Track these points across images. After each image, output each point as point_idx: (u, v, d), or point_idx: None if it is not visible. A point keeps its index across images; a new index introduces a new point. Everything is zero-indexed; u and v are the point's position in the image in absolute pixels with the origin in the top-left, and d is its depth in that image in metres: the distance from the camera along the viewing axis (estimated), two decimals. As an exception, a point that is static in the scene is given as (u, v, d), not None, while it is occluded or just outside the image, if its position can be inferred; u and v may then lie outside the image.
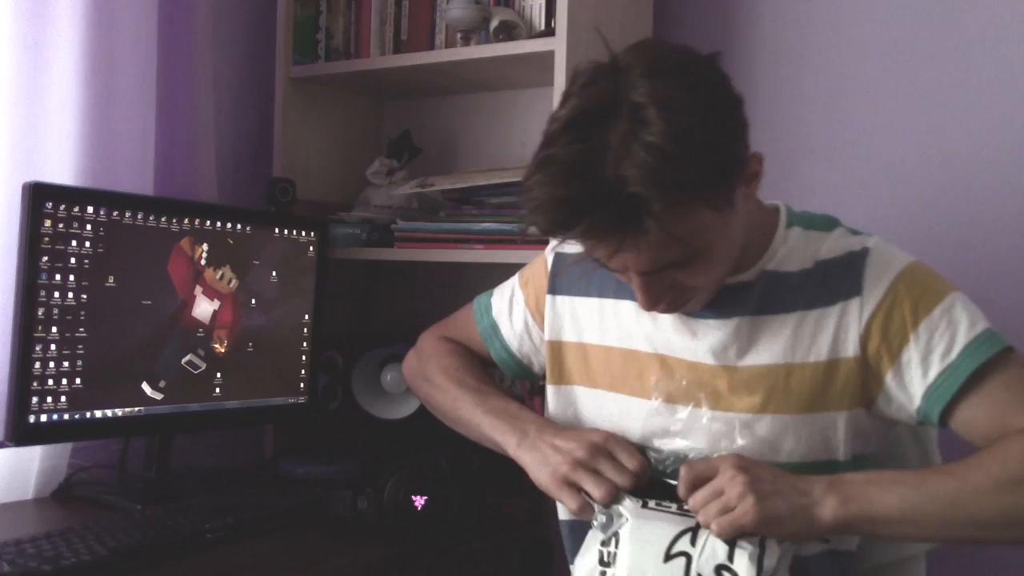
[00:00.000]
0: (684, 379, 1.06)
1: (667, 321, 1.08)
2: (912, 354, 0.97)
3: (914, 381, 0.98)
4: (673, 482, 0.99)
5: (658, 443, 1.08)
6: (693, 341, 1.06)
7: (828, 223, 1.09)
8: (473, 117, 2.01)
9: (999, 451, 0.92)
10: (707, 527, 0.93)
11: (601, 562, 0.97)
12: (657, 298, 0.98)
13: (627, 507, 0.98)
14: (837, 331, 1.00)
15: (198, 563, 1.19)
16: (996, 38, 1.56)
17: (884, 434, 1.06)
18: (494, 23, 1.66)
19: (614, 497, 0.99)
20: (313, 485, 1.55)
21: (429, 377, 1.28)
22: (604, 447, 1.02)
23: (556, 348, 1.19)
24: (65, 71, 1.46)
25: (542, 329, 1.22)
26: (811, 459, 1.01)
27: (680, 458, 1.05)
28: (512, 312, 1.27)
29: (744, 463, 0.95)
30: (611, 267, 0.97)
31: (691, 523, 0.95)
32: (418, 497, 1.29)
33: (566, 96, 0.92)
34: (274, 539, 1.29)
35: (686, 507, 0.96)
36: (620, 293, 1.12)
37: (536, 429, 1.09)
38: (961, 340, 0.96)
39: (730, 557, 0.92)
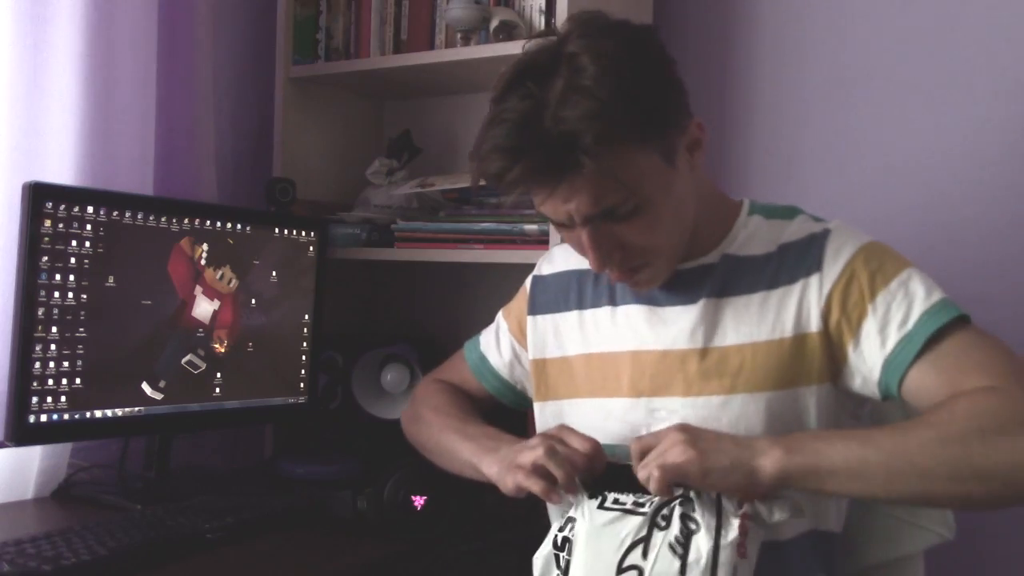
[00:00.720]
0: (655, 370, 1.08)
1: (639, 316, 1.11)
2: (870, 326, 1.00)
3: (873, 352, 0.99)
4: (629, 463, 0.99)
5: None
6: (663, 328, 1.09)
7: (790, 211, 1.12)
8: (473, 117, 2.01)
9: (946, 408, 0.92)
10: (647, 483, 0.93)
11: (556, 566, 0.97)
12: (606, 255, 1.01)
13: (583, 511, 0.96)
14: (800, 307, 1.03)
15: (198, 563, 1.19)
16: (997, 37, 1.56)
17: (854, 412, 1.07)
18: (494, 23, 1.66)
19: (573, 483, 0.99)
20: (313, 485, 1.55)
21: (419, 417, 1.30)
22: (556, 435, 1.04)
23: (540, 366, 1.22)
24: (65, 71, 1.46)
25: (528, 352, 1.25)
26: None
27: None
28: (499, 342, 1.31)
29: (686, 427, 0.96)
30: (557, 221, 1.01)
31: (645, 521, 0.93)
32: (418, 497, 1.29)
33: (512, 62, 0.99)
34: (274, 539, 1.29)
35: (641, 500, 0.95)
36: (597, 302, 1.17)
37: (507, 445, 1.09)
38: (917, 309, 0.98)
39: (682, 570, 0.90)
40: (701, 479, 0.91)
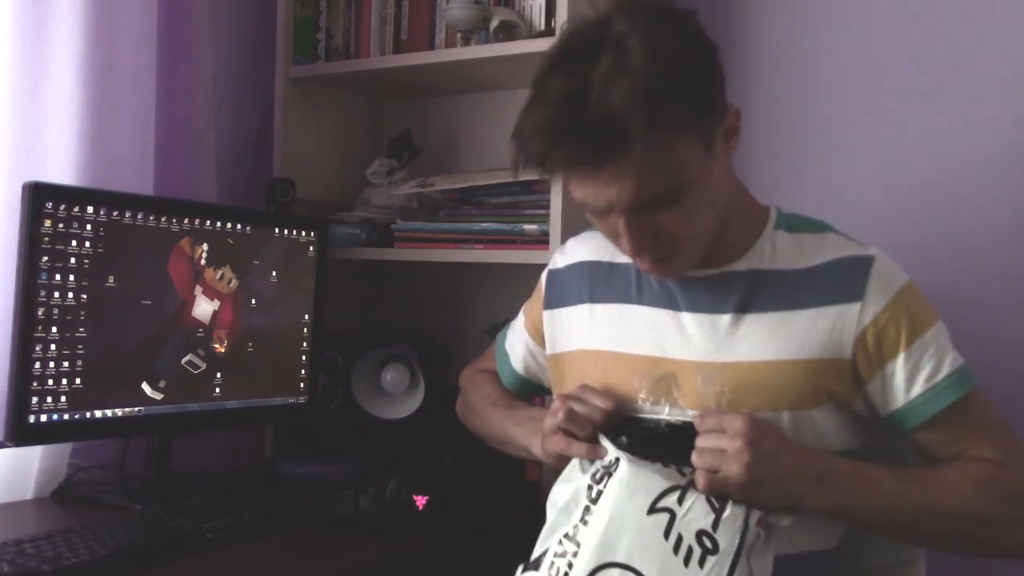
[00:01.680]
0: (671, 379, 1.07)
1: (661, 320, 1.09)
2: (899, 368, 1.01)
3: (898, 393, 1.02)
4: (656, 416, 1.02)
5: None
6: (684, 337, 1.07)
7: (818, 226, 1.11)
8: (473, 117, 2.01)
9: (967, 482, 1.00)
10: (694, 479, 0.94)
11: (586, 496, 0.96)
12: (642, 243, 0.99)
13: (623, 454, 0.97)
14: (832, 331, 1.02)
15: (198, 563, 1.18)
16: (997, 38, 1.56)
17: (867, 431, 1.07)
18: (494, 23, 1.66)
19: (595, 440, 1.01)
20: (313, 485, 1.55)
21: (470, 407, 1.35)
22: (576, 395, 1.06)
23: (556, 361, 1.21)
24: (65, 71, 1.46)
25: (543, 347, 1.25)
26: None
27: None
28: (516, 338, 1.33)
29: (751, 426, 0.95)
30: (595, 207, 0.98)
31: (682, 481, 0.94)
32: (420, 496, 1.29)
33: (556, 42, 0.98)
34: (274, 539, 1.29)
35: (684, 469, 0.96)
36: (612, 297, 1.14)
37: None
38: (945, 369, 1.02)
39: (714, 526, 0.91)
40: (743, 492, 0.94)
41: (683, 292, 1.08)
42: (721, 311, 1.05)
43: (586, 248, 1.21)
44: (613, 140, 0.90)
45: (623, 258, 1.13)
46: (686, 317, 1.07)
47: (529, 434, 1.15)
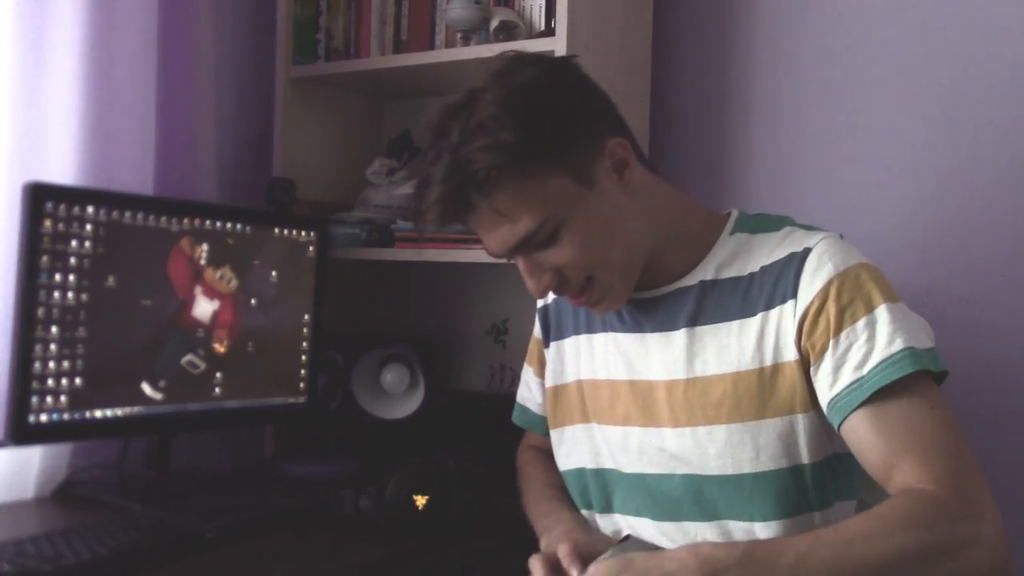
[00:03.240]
0: (645, 401, 1.09)
1: (630, 344, 1.11)
2: (827, 363, 0.97)
3: (823, 389, 0.97)
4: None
5: (631, 469, 1.10)
6: (648, 358, 1.09)
7: (777, 223, 1.09)
8: (473, 117, 2.01)
9: (881, 523, 0.86)
10: None
11: None
12: (539, 281, 1.04)
13: None
14: (777, 336, 1.01)
15: (198, 563, 1.18)
16: (996, 40, 1.56)
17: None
18: (494, 23, 1.66)
19: None
20: (313, 485, 1.55)
21: (519, 487, 1.31)
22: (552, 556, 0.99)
23: (554, 393, 1.23)
24: (65, 71, 1.46)
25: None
26: (777, 466, 1.01)
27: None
28: (531, 389, 1.33)
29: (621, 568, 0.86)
30: (493, 255, 1.05)
31: None
32: (419, 496, 1.29)
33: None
34: (274, 539, 1.29)
35: None
36: (595, 327, 1.17)
37: (558, 527, 1.10)
38: (876, 356, 0.94)
39: None
40: None
41: (643, 314, 1.10)
42: (674, 327, 1.07)
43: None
44: (464, 194, 0.97)
45: None
46: (649, 338, 1.10)
47: (541, 530, 1.15)
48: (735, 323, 1.04)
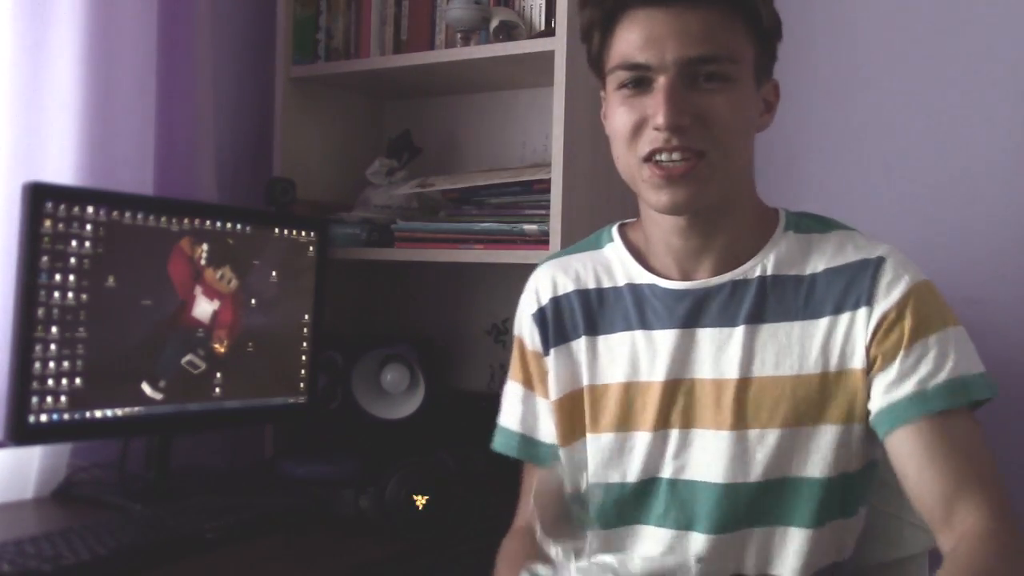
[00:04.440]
0: (687, 400, 1.02)
1: (671, 341, 1.03)
2: (893, 369, 0.95)
3: (879, 393, 0.96)
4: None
5: (661, 474, 1.04)
6: (697, 354, 1.03)
7: (822, 224, 1.06)
8: (473, 117, 2.01)
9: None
10: None
11: None
12: (679, 113, 0.94)
13: None
14: (846, 341, 0.98)
15: (198, 563, 1.19)
16: (1000, 36, 1.56)
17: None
18: (494, 23, 1.66)
19: None
20: (313, 485, 1.55)
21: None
22: None
23: (560, 405, 1.11)
24: (65, 71, 1.46)
25: (547, 397, 1.13)
26: (826, 474, 0.99)
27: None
28: (534, 412, 1.16)
29: None
30: (633, 64, 0.96)
31: None
32: (420, 496, 1.29)
33: None
34: (274, 539, 1.29)
35: None
36: (606, 327, 1.09)
37: None
38: (943, 376, 0.94)
39: None
40: None
41: (691, 307, 1.03)
42: (733, 323, 1.01)
43: (564, 278, 1.12)
44: None
45: (609, 282, 1.10)
46: (701, 333, 1.03)
47: None
48: (797, 324, 1.00)
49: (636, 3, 0.95)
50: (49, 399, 1.31)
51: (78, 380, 1.34)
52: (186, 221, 1.47)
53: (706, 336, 1.03)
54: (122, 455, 1.54)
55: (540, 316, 1.13)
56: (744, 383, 1.00)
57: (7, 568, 1.05)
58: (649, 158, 0.96)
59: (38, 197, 1.29)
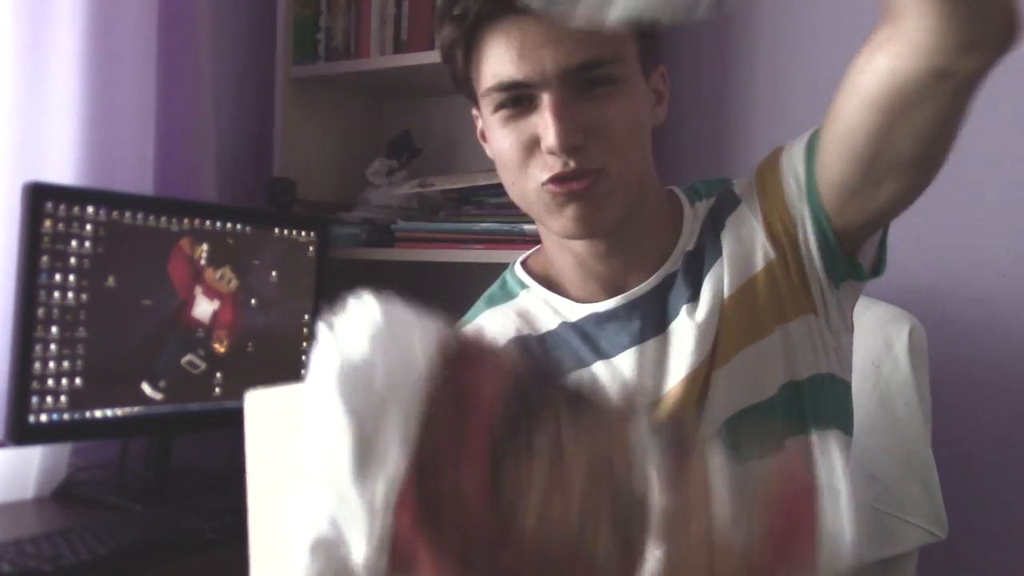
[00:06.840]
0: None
1: (630, 362, 0.95)
2: (790, 183, 0.93)
3: (792, 194, 0.93)
4: None
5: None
6: (663, 364, 0.95)
7: (710, 187, 1.02)
8: (473, 117, 2.01)
9: None
10: None
11: None
12: (572, 131, 0.85)
13: None
14: (753, 244, 0.94)
15: (198, 563, 1.19)
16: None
17: (836, 352, 0.97)
18: (494, 23, 1.66)
19: None
20: (313, 485, 1.55)
21: None
22: None
23: None
24: (65, 71, 1.46)
25: None
26: (810, 373, 0.93)
27: None
28: None
29: None
30: (520, 80, 0.85)
31: None
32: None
33: None
34: (274, 539, 1.29)
35: None
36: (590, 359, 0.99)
37: None
38: (801, 141, 0.95)
39: None
40: None
41: (645, 314, 0.96)
42: (675, 315, 0.95)
43: (498, 327, 1.01)
44: None
45: (548, 324, 0.99)
46: (671, 330, 0.95)
47: None
48: (714, 264, 0.96)
49: (501, 12, 0.85)
50: (49, 399, 1.32)
51: (78, 380, 1.34)
52: (186, 221, 1.47)
53: (680, 325, 0.95)
54: (122, 455, 1.54)
55: (522, 345, 1.02)
56: (705, 329, 0.94)
57: (7, 568, 1.05)
58: (547, 182, 0.88)
59: (38, 197, 1.29)
